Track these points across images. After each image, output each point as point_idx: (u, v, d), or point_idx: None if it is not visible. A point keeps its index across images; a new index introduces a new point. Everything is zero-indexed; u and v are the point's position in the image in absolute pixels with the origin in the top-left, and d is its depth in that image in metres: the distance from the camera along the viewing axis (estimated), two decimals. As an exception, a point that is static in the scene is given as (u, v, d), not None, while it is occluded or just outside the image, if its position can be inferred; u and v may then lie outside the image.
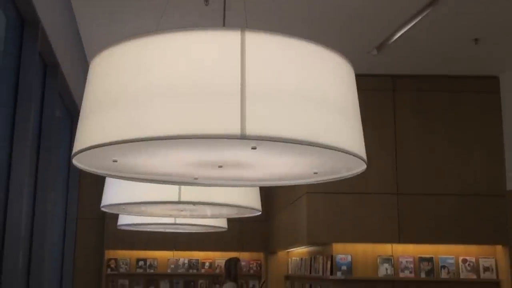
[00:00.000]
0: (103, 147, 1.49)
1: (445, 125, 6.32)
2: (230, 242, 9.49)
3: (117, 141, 1.43)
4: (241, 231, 9.59)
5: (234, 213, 4.02)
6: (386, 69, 6.31)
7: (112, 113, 1.46)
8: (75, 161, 1.74)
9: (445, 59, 6.00)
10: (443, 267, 6.14)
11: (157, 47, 1.45)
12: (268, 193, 9.36)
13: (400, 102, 6.35)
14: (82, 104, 1.62)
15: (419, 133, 6.28)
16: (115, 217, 5.62)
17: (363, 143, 1.66)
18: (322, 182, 2.02)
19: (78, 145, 1.57)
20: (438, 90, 6.40)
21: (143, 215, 4.24)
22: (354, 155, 1.57)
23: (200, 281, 9.71)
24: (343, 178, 1.95)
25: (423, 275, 6.11)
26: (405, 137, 6.27)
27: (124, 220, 4.90)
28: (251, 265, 9.66)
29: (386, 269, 6.10)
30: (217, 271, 9.74)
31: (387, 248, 6.23)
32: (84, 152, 1.56)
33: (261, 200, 3.63)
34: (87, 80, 1.63)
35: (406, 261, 6.16)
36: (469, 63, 6.09)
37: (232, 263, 7.12)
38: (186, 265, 9.72)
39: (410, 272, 6.12)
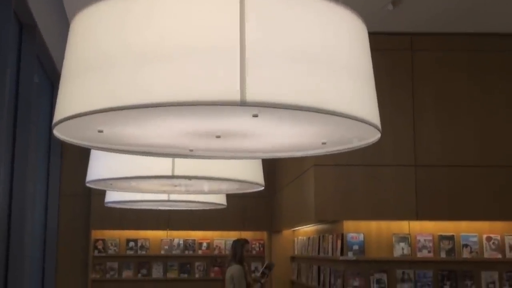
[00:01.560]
0: (87, 116, 1.48)
1: (468, 89, 6.29)
2: (230, 220, 9.56)
3: (102, 109, 1.43)
4: (242, 209, 9.64)
5: (234, 189, 4.03)
6: (403, 26, 6.26)
7: (96, 78, 1.45)
8: (56, 132, 1.74)
9: (468, 14, 5.94)
10: (465, 245, 6.19)
11: (145, 2, 1.44)
12: (272, 166, 9.38)
13: (419, 63, 6.32)
14: (63, 68, 1.61)
15: (439, 98, 6.26)
16: (102, 193, 5.65)
17: (377, 110, 1.66)
18: (331, 153, 2.02)
19: (59, 114, 1.56)
20: (461, 50, 6.36)
21: (133, 191, 4.26)
22: (366, 123, 1.57)
23: (197, 264, 9.81)
24: (354, 149, 1.95)
25: (443, 255, 6.16)
26: (424, 102, 6.25)
27: (112, 197, 4.92)
28: (253, 246, 9.75)
29: (403, 249, 6.15)
30: (216, 252, 9.83)
31: (404, 226, 6.27)
32: (66, 122, 1.56)
33: (264, 174, 3.64)
34: (68, 41, 1.62)
35: (425, 240, 6.20)
36: (494, 19, 6.04)
37: (238, 245, 7.19)
38: (182, 246, 9.81)
39: (429, 252, 6.17)
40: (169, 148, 2.12)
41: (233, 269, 6.97)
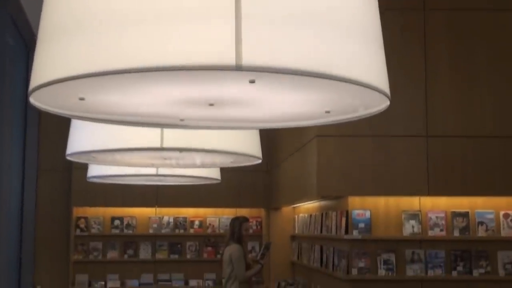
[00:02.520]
0: (67, 82, 1.48)
1: (487, 53, 6.27)
2: (225, 196, 9.60)
3: (84, 74, 1.42)
4: (237, 184, 9.67)
5: (229, 162, 4.04)
6: (415, -17, 6.22)
7: (77, 41, 1.45)
8: (33, 100, 1.74)
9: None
10: (481, 223, 6.23)
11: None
12: (271, 138, 9.39)
13: (432, 23, 6.29)
14: (40, 29, 1.60)
15: (454, 62, 6.25)
16: (84, 167, 5.66)
17: (386, 75, 1.66)
18: (335, 122, 2.03)
19: (36, 79, 1.56)
20: (479, 9, 6.33)
21: (118, 165, 4.27)
22: (374, 89, 1.57)
23: (188, 243, 9.87)
24: (361, 118, 1.95)
25: (456, 233, 6.21)
26: (438, 67, 6.24)
27: (95, 171, 4.93)
28: (250, 224, 9.79)
29: (413, 227, 6.20)
30: (209, 231, 9.89)
31: (414, 202, 6.31)
32: (44, 89, 1.56)
33: (262, 146, 3.64)
34: (45, 0, 1.61)
35: (437, 217, 6.24)
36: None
37: (236, 223, 7.23)
38: (172, 224, 9.86)
39: (441, 230, 6.22)
40: (157, 118, 2.12)
41: (231, 249, 7.02)
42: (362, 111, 1.91)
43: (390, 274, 6.08)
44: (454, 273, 6.13)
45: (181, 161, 4.06)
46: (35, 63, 1.60)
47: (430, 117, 6.18)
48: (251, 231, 9.51)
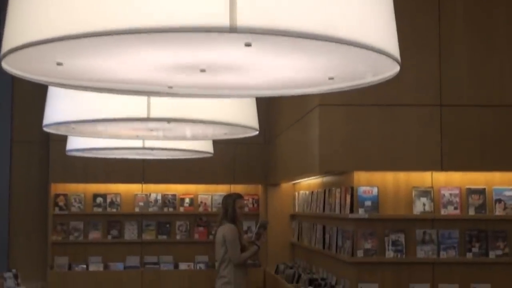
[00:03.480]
0: (42, 45, 1.48)
1: (506, 13, 6.25)
2: (218, 172, 9.61)
3: (62, 36, 1.42)
4: (232, 158, 9.68)
5: (222, 134, 4.04)
6: None
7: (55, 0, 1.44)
8: (5, 65, 1.74)
9: None
10: (498, 201, 6.26)
11: None
12: (269, 107, 9.38)
13: (447, -20, 6.26)
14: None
15: (471, 24, 6.23)
16: (63, 140, 5.65)
17: (396, 38, 1.65)
18: (340, 90, 2.03)
19: (8, 42, 1.55)
20: (499, -36, 6.29)
21: (100, 137, 4.27)
22: (383, 54, 1.57)
23: (178, 223, 9.91)
24: (368, 85, 1.96)
25: (471, 212, 6.24)
26: (453, 29, 6.22)
27: (75, 143, 4.93)
28: (246, 202, 9.83)
29: (424, 205, 6.23)
30: (201, 209, 9.92)
31: (426, 178, 6.33)
32: (17, 52, 1.55)
33: (259, 116, 3.64)
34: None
35: (450, 194, 6.27)
36: None
37: (229, 200, 7.25)
38: (160, 202, 9.89)
39: (455, 208, 6.25)
40: (143, 85, 2.12)
41: (225, 229, 7.05)
42: (370, 78, 1.91)
43: (399, 256, 6.12)
44: (469, 255, 6.18)
45: (170, 133, 4.06)
46: (7, 25, 1.59)
47: (444, 84, 6.17)
48: (246, 209, 9.54)
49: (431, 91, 6.16)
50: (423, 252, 6.15)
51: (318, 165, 6.22)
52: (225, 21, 1.34)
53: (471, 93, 6.18)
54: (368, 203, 6.17)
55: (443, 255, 6.15)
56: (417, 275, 6.16)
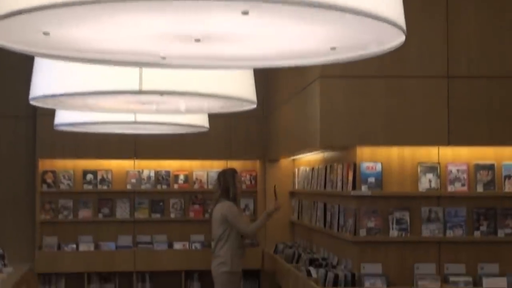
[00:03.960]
0: (28, 14, 1.47)
1: (519, -22, 6.23)
2: (214, 147, 9.62)
3: (49, 4, 1.41)
4: (228, 132, 9.69)
5: (218, 107, 4.04)
6: None
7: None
8: (-10, 35, 1.73)
9: None
10: (508, 177, 6.28)
11: None
12: (267, 79, 9.36)
13: None
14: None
15: (481, -10, 6.21)
16: (51, 114, 5.64)
17: (401, 5, 1.65)
18: (342, 61, 2.02)
19: (-7, 11, 1.54)
20: None
21: (90, 111, 4.26)
22: (387, 22, 1.56)
23: (172, 201, 9.94)
24: (372, 56, 1.95)
25: (480, 189, 6.26)
26: (461, -5, 6.20)
27: (64, 118, 4.93)
28: (243, 179, 9.85)
29: (430, 182, 6.24)
30: (196, 186, 9.94)
31: (432, 153, 6.33)
32: (1, 22, 1.54)
33: (257, 89, 3.64)
34: None
35: (457, 170, 6.28)
36: None
37: (228, 175, 7.27)
38: (153, 179, 9.91)
39: (463, 185, 6.26)
40: (135, 55, 2.11)
41: (224, 207, 7.06)
42: (373, 48, 1.91)
43: (403, 235, 6.14)
44: (477, 234, 6.20)
45: (163, 106, 4.05)
46: (-9, -8, 1.58)
47: (452, 54, 6.16)
48: (244, 186, 9.57)
49: (437, 62, 6.15)
50: (428, 231, 6.18)
51: (319, 139, 6.22)
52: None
53: (480, 64, 6.17)
54: (371, 179, 6.18)
55: (450, 233, 6.18)
56: (423, 254, 6.19)
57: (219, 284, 7.39)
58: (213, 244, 7.18)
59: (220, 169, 7.95)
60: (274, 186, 7.69)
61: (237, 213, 7.05)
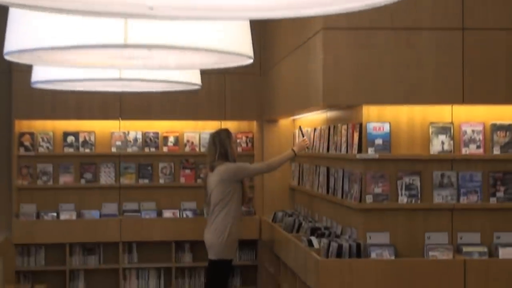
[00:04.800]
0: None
1: None
2: (206, 106, 9.62)
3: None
4: (222, 90, 9.67)
5: (211, 62, 4.02)
6: None
7: None
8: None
9: None
10: (528, 139, 6.29)
11: None
12: (265, 32, 9.32)
13: None
14: None
15: None
16: (28, 70, 5.63)
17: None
18: (347, 11, 2.01)
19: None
20: None
21: (70, 67, 4.25)
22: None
23: (161, 165, 9.95)
24: (380, 5, 1.94)
25: (496, 151, 6.27)
26: None
27: (42, 74, 4.91)
28: (239, 141, 9.86)
29: (442, 143, 6.25)
30: (187, 149, 9.95)
31: (445, 112, 6.34)
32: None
33: (254, 42, 3.62)
34: None
35: (473, 131, 6.29)
36: None
37: (223, 136, 7.30)
38: (140, 141, 9.91)
39: (478, 147, 6.27)
40: (119, 5, 2.10)
41: (222, 169, 7.09)
42: (382, -3, 1.90)
43: (413, 201, 6.17)
44: (493, 200, 6.23)
45: (150, 62, 4.04)
46: None
47: (468, 4, 6.14)
48: (239, 149, 9.59)
49: (452, 12, 6.13)
50: (440, 197, 6.20)
51: (322, 98, 6.22)
52: None
53: (498, 15, 6.15)
54: (378, 141, 6.19)
55: (464, 200, 6.21)
56: (434, 223, 6.23)
57: (213, 254, 7.44)
58: (206, 210, 7.22)
59: (213, 131, 7.97)
60: (300, 127, 7.82)
61: (239, 164, 7.13)
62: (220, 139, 7.23)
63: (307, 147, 7.65)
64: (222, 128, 8.05)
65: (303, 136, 7.73)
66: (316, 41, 6.42)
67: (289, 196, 9.55)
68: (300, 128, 7.96)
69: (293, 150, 7.48)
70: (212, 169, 7.41)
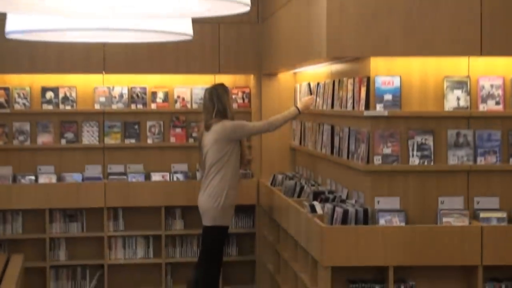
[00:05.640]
0: None
1: None
2: (199, 59, 9.59)
3: None
4: (216, 41, 9.64)
5: (204, 10, 4.01)
6: None
7: None
8: None
9: None
10: (552, 94, 6.30)
11: None
12: (261, -25, 9.28)
13: None
14: None
15: None
16: (1, 19, 5.61)
17: None
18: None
19: None
20: None
21: (48, 15, 4.24)
22: None
23: (149, 124, 9.95)
24: None
25: (517, 108, 6.28)
26: None
27: (17, 24, 4.90)
28: (234, 96, 9.86)
29: (458, 99, 6.25)
30: (178, 106, 9.94)
31: (461, 65, 6.33)
32: None
33: (250, -13, 3.60)
34: None
35: (491, 85, 6.29)
36: None
37: (221, 91, 7.29)
38: (126, 97, 9.90)
39: (497, 103, 6.28)
40: None
41: (219, 127, 7.09)
42: None
43: (426, 163, 6.18)
44: (513, 162, 6.27)
45: (135, 10, 4.02)
46: None
47: None
48: (235, 106, 9.59)
49: (469, -46, 6.11)
50: (456, 158, 6.22)
51: (326, 49, 6.20)
52: None
53: (521, -43, 6.13)
54: (388, 97, 6.19)
55: (481, 161, 6.22)
56: (448, 186, 6.25)
57: (208, 221, 7.46)
58: (200, 173, 7.23)
59: (206, 86, 7.96)
60: (309, 83, 7.81)
61: (240, 121, 7.15)
62: (218, 94, 7.22)
63: (310, 103, 7.65)
64: (218, 82, 8.03)
65: (310, 94, 7.70)
66: (319, -14, 6.39)
67: (290, 157, 9.57)
68: (309, 84, 7.92)
69: (297, 108, 7.46)
70: (208, 128, 7.40)
